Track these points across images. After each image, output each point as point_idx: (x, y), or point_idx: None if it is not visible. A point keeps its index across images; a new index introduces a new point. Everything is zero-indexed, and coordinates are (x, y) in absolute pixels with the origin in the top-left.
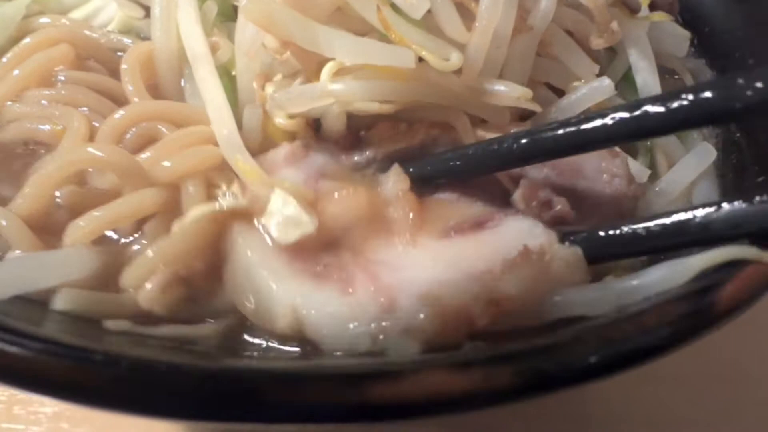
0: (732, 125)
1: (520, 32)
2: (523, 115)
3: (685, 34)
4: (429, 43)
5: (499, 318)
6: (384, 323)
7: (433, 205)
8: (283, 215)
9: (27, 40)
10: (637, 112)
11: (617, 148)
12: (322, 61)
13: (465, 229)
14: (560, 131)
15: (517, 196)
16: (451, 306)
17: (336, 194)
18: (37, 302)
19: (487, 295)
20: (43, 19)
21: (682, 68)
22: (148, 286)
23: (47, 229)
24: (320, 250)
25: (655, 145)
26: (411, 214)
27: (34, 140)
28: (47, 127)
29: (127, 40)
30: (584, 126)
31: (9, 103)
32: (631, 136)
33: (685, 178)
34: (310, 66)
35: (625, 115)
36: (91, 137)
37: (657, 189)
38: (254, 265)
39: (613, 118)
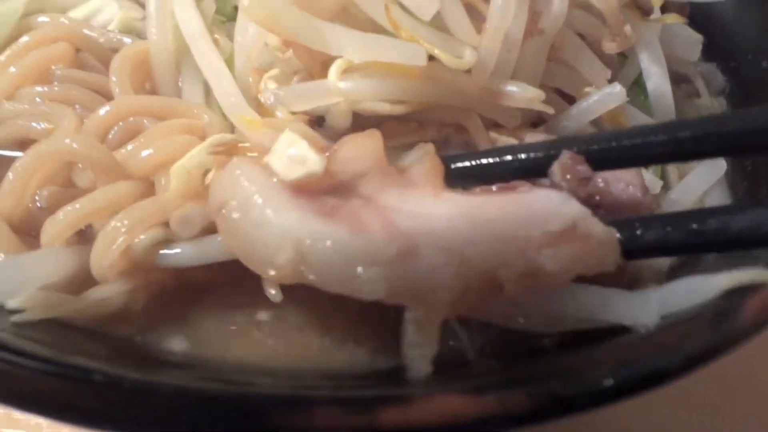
0: None
1: (531, 35)
2: (535, 122)
3: (697, 38)
4: (440, 41)
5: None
6: (400, 269)
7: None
8: (289, 154)
9: (25, 38)
10: None
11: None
12: (326, 60)
13: (492, 190)
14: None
15: (556, 167)
16: (480, 267)
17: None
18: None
19: (523, 264)
20: (42, 18)
21: (695, 72)
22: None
23: (30, 231)
24: (328, 194)
25: None
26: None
27: (29, 138)
28: (42, 125)
29: (126, 40)
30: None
31: (4, 101)
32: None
33: (696, 190)
34: (314, 65)
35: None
36: None
37: (668, 200)
38: (253, 194)
39: None
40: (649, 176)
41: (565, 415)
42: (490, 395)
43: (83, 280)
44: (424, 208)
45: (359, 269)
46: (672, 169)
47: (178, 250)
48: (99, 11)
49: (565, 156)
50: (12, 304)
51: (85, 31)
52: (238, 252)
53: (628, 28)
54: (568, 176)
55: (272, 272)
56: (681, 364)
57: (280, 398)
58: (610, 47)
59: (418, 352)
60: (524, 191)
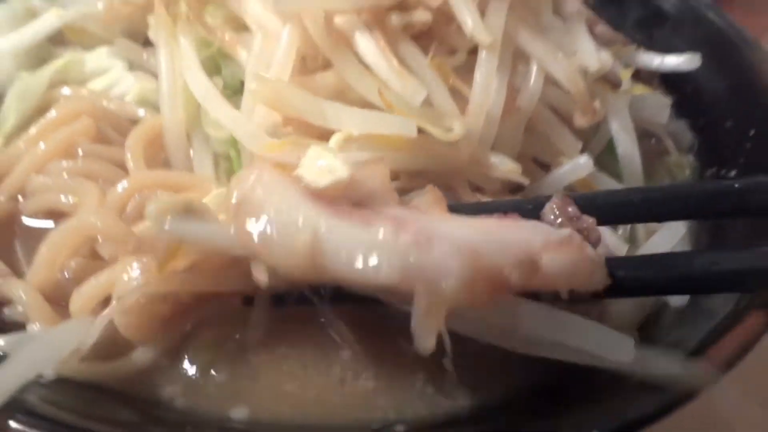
0: None
1: (509, 113)
2: (513, 187)
3: (665, 102)
4: (431, 117)
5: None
6: (414, 255)
7: None
8: (319, 164)
9: (52, 113)
10: None
11: None
12: (323, 134)
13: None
14: None
15: (548, 207)
16: (489, 262)
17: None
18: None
19: (528, 263)
20: (65, 90)
21: (664, 132)
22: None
23: (60, 301)
24: (346, 203)
25: None
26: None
27: (57, 211)
28: (69, 198)
29: (141, 111)
30: None
31: (33, 174)
32: None
33: (662, 247)
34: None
35: None
36: None
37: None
38: (278, 183)
39: None
40: (616, 239)
41: None
42: None
43: (112, 345)
44: (434, 221)
45: (374, 255)
46: (640, 227)
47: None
48: (117, 83)
49: (557, 197)
50: (48, 373)
51: (105, 104)
52: (259, 238)
53: (597, 104)
54: (559, 215)
55: (290, 254)
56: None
57: None
58: (581, 122)
59: (425, 331)
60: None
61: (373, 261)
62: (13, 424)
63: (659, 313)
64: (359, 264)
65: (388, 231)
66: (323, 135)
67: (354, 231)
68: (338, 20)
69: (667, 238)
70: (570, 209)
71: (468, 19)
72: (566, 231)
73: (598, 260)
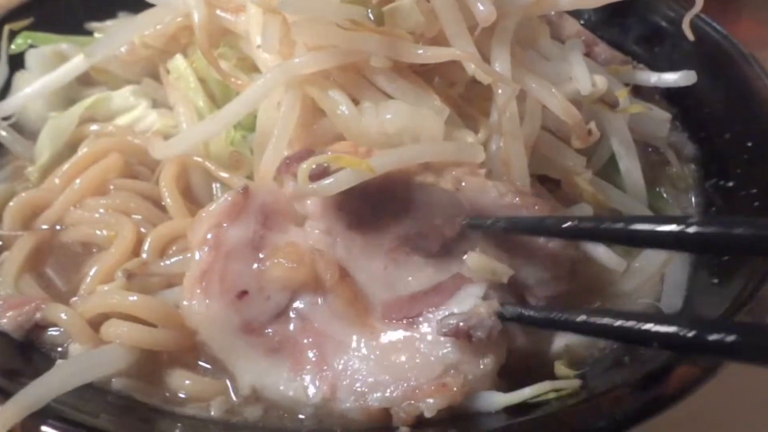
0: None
1: None
2: None
3: (665, 117)
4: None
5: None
6: (325, 405)
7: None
8: None
9: (84, 149)
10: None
11: None
12: None
13: (403, 316)
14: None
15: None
16: (376, 408)
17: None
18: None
19: (407, 407)
20: (94, 127)
21: (665, 146)
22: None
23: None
24: (272, 320)
25: None
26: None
27: (92, 243)
28: (103, 232)
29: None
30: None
31: (72, 208)
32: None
33: (657, 260)
34: None
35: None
36: (138, 243)
37: (633, 268)
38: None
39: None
40: (613, 256)
41: None
42: None
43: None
44: (346, 335)
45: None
46: None
47: None
48: (141, 119)
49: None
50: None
51: (131, 140)
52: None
53: (592, 126)
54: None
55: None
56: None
57: None
58: (577, 145)
59: None
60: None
61: (297, 410)
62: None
63: None
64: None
65: (308, 383)
66: None
67: (281, 383)
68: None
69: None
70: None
71: (470, 65)
72: (439, 371)
73: (488, 370)
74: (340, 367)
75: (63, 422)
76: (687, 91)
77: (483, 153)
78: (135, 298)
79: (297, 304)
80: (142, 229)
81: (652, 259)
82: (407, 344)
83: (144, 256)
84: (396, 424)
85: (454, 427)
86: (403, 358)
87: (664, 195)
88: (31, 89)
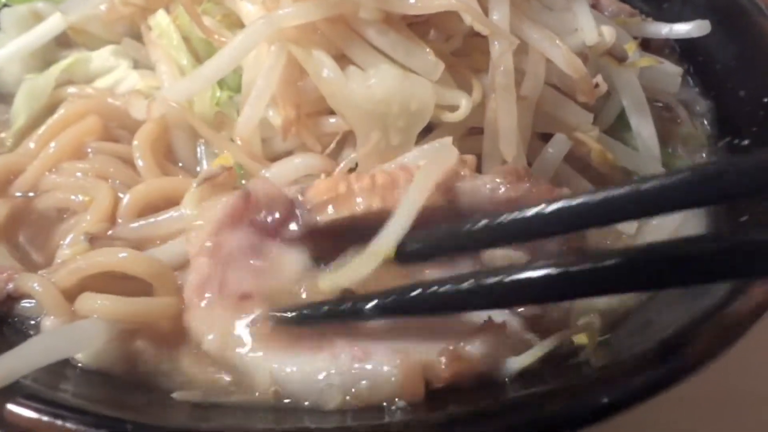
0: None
1: (516, 102)
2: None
3: (676, 71)
4: (442, 92)
5: (459, 377)
6: (355, 372)
7: None
8: None
9: (60, 111)
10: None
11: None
12: (331, 133)
13: None
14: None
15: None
16: (419, 361)
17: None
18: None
19: (450, 351)
20: (72, 89)
21: (675, 102)
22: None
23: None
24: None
25: None
26: None
27: (67, 209)
28: (80, 197)
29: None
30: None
31: (47, 173)
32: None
33: (675, 216)
34: (314, 143)
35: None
36: (117, 208)
37: (650, 225)
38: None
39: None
40: None
41: None
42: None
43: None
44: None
45: (321, 378)
46: None
47: None
48: (122, 81)
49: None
50: (80, 357)
51: (110, 101)
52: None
53: (599, 79)
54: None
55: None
56: (627, 398)
57: None
58: (582, 99)
59: None
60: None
61: (321, 386)
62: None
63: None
64: (310, 391)
65: (327, 357)
66: (326, 135)
67: (305, 362)
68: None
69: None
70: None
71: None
72: (484, 317)
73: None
74: (371, 339)
75: (33, 400)
76: (698, 47)
77: (456, 153)
78: (125, 254)
79: None
80: (121, 195)
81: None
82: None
83: (119, 220)
84: (435, 383)
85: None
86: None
87: (677, 153)
88: (6, 51)
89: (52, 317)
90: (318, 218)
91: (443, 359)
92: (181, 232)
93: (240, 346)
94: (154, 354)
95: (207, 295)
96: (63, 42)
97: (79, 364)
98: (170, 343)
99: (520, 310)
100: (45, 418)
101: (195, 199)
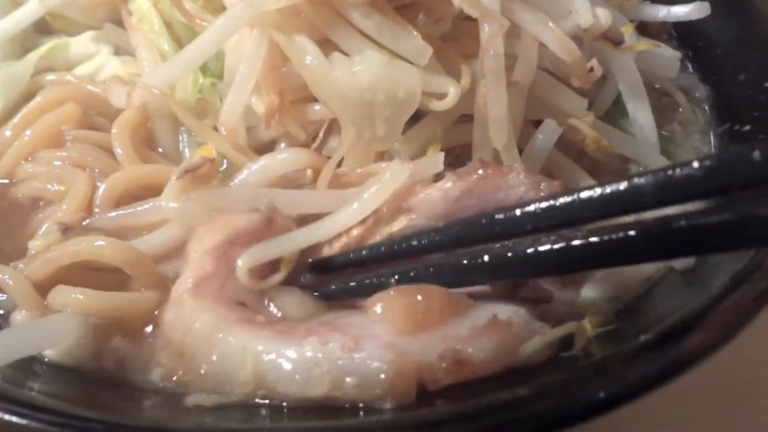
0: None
1: (507, 88)
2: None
3: (674, 56)
4: (429, 79)
5: (461, 378)
6: (342, 363)
7: None
8: None
9: (37, 98)
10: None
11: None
12: (316, 121)
13: None
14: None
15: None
16: (415, 361)
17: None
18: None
19: (452, 355)
20: (50, 76)
21: (673, 88)
22: None
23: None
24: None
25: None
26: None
27: (43, 198)
28: (56, 187)
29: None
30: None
31: (23, 162)
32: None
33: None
34: (298, 132)
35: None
36: (93, 197)
37: None
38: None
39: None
40: None
41: None
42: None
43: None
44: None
45: (306, 371)
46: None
47: None
48: (102, 67)
49: None
50: (49, 352)
51: (89, 88)
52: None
53: (594, 63)
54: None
55: (236, 385)
56: (626, 392)
57: None
58: (576, 84)
59: None
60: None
61: (307, 376)
62: None
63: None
64: (294, 380)
65: (315, 343)
66: (311, 123)
67: (287, 351)
68: None
69: None
70: None
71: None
72: (489, 314)
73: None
74: (366, 331)
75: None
76: (697, 31)
77: (441, 163)
78: (101, 242)
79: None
80: (100, 185)
81: None
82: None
83: (96, 210)
84: (431, 386)
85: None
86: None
87: (676, 140)
88: None
89: (23, 311)
90: None
91: (444, 363)
92: (160, 223)
93: (230, 329)
94: (127, 348)
95: (204, 292)
96: (42, 28)
97: (46, 359)
98: (142, 336)
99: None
100: (10, 418)
101: (176, 191)
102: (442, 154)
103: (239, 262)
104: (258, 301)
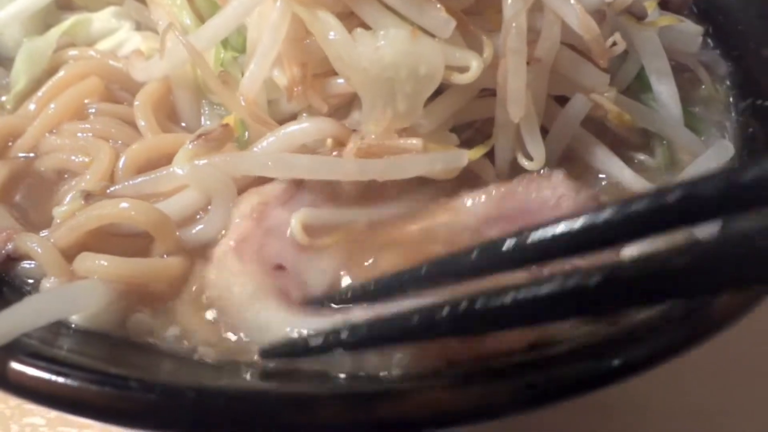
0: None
1: (529, 64)
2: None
3: (696, 30)
4: (452, 52)
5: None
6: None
7: None
8: None
9: (60, 73)
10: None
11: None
12: (338, 95)
13: None
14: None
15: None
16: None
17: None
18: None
19: None
20: (72, 52)
21: (696, 63)
22: None
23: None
24: None
25: (674, 142)
26: None
27: (68, 170)
28: (80, 158)
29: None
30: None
31: (47, 134)
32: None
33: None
34: (321, 104)
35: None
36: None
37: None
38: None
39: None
40: (640, 180)
41: (544, 405)
42: (474, 389)
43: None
44: None
45: None
46: (682, 152)
47: None
48: (124, 43)
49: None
50: (75, 318)
51: (112, 63)
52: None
53: (617, 37)
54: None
55: None
56: (652, 355)
57: (288, 396)
58: (597, 60)
59: None
60: None
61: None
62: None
63: None
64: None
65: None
66: (334, 96)
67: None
68: None
69: (712, 162)
70: None
71: None
72: None
73: None
74: None
75: (35, 358)
76: (718, 6)
77: (465, 158)
78: (126, 204)
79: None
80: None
81: (699, 169)
82: None
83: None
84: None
85: None
86: None
87: (698, 116)
88: (6, 13)
89: (51, 278)
90: None
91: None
92: (181, 188)
93: (263, 302)
94: (152, 313)
95: (244, 252)
96: (63, 4)
97: (73, 325)
98: (167, 301)
99: None
100: (49, 376)
101: (187, 156)
102: (466, 152)
103: (293, 220)
104: (297, 265)
